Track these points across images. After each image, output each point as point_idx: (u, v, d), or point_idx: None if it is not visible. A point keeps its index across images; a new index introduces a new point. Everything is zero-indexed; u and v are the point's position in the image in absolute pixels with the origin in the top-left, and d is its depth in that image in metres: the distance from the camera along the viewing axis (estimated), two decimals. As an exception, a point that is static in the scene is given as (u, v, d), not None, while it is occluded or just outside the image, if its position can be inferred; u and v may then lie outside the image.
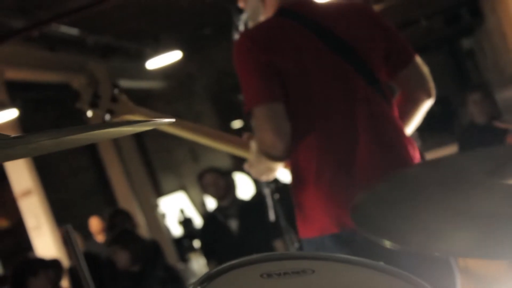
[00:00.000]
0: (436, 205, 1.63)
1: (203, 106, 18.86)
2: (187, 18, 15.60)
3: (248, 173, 3.71)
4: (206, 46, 19.07)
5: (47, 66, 13.17)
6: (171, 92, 19.56)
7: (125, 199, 14.38)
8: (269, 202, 3.93)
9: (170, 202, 19.02)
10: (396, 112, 3.60)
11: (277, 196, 3.89)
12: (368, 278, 1.56)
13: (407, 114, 3.67)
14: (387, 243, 1.50)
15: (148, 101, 19.74)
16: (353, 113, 3.45)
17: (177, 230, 18.27)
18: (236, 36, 3.84)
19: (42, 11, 11.53)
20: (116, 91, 3.78)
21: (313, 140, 3.43)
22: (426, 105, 3.72)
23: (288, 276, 1.53)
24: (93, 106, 3.78)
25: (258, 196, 8.31)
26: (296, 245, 3.87)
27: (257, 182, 8.99)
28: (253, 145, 3.57)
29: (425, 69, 3.70)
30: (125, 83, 16.40)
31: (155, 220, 15.27)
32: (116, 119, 3.77)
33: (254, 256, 1.58)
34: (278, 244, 6.89)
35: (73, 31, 12.58)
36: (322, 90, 3.45)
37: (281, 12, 3.57)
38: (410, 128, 3.73)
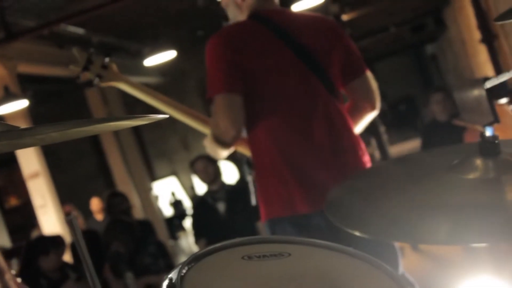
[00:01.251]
0: (402, 197, 1.63)
1: (195, 99, 18.86)
2: (182, 21, 15.60)
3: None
4: (199, 47, 18.96)
5: (56, 62, 13.17)
6: (166, 87, 19.58)
7: (123, 183, 14.42)
8: (251, 188, 3.94)
9: (163, 185, 19.08)
10: (347, 116, 3.63)
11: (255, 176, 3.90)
12: (337, 261, 1.56)
13: (352, 120, 3.69)
14: (356, 233, 1.50)
15: (145, 94, 19.72)
16: (312, 112, 3.48)
17: (168, 211, 18.30)
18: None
19: (52, 13, 11.53)
20: (107, 59, 3.84)
21: (274, 132, 3.46)
22: (370, 115, 3.76)
23: (266, 258, 1.52)
24: (85, 69, 3.84)
25: (242, 182, 8.33)
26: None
27: (240, 169, 9.00)
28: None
29: (374, 84, 3.74)
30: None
31: (149, 201, 15.29)
32: (104, 84, 3.87)
33: (236, 240, 1.58)
34: (260, 225, 6.90)
35: (80, 30, 12.61)
36: (284, 90, 3.48)
37: (253, 16, 3.58)
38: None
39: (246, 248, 1.55)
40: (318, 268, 1.51)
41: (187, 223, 17.46)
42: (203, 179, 7.22)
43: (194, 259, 1.47)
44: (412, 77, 19.44)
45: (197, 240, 7.19)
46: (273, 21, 3.54)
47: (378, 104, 3.73)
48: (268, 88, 3.45)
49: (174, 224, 17.55)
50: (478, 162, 1.67)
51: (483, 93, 3.74)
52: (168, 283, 1.39)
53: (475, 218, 1.47)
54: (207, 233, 7.04)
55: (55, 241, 7.22)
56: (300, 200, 3.39)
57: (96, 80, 3.84)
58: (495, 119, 3.64)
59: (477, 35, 11.44)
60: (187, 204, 17.98)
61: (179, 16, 15.05)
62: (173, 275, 1.40)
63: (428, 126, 8.25)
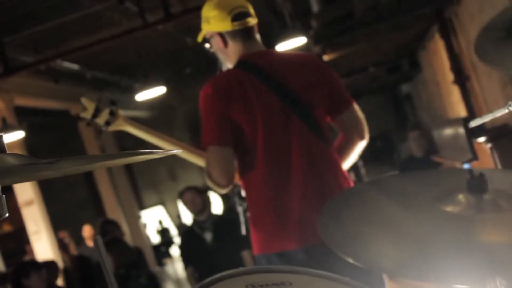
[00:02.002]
0: (385, 225, 1.64)
1: (182, 132, 18.92)
2: (172, 59, 15.66)
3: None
4: (186, 83, 19.11)
5: (51, 95, 13.22)
6: (155, 121, 19.65)
7: (113, 211, 14.41)
8: (242, 218, 3.96)
9: (151, 214, 19.05)
10: (334, 153, 3.66)
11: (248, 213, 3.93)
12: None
13: (343, 152, 3.74)
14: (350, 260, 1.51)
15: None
16: (296, 156, 3.50)
17: (155, 238, 18.25)
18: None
19: (49, 49, 11.58)
20: (114, 107, 3.89)
21: (261, 174, 3.51)
22: (360, 145, 3.78)
23: (269, 287, 1.53)
24: (94, 117, 3.92)
25: (229, 212, 8.32)
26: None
27: (226, 200, 8.99)
28: None
29: (361, 115, 3.77)
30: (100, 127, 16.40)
31: (137, 229, 15.28)
32: (112, 129, 3.93)
33: (242, 269, 1.58)
34: (245, 254, 6.90)
35: (74, 66, 12.66)
36: (270, 137, 3.50)
37: (239, 64, 3.60)
38: (347, 163, 3.80)
39: (250, 277, 1.55)
40: (318, 297, 1.52)
41: (174, 250, 17.40)
42: (191, 209, 7.19)
43: (202, 286, 1.47)
44: (388, 115, 19.53)
45: (185, 268, 7.17)
46: (258, 67, 3.55)
47: (366, 134, 3.76)
48: (256, 136, 3.48)
49: (161, 251, 17.51)
50: (461, 197, 1.68)
51: (462, 131, 3.76)
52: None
53: (449, 257, 1.46)
54: (194, 261, 7.03)
55: (36, 264, 7.30)
56: (285, 238, 3.42)
57: (104, 127, 3.90)
58: (473, 157, 3.66)
59: (450, 76, 11.53)
60: (174, 232, 17.95)
61: (169, 54, 15.11)
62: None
63: (405, 161, 8.31)
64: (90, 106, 3.92)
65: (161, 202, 19.90)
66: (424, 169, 7.44)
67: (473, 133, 3.69)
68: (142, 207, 18.73)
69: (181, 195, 7.33)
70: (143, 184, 20.23)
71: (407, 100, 19.46)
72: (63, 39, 11.46)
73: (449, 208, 1.64)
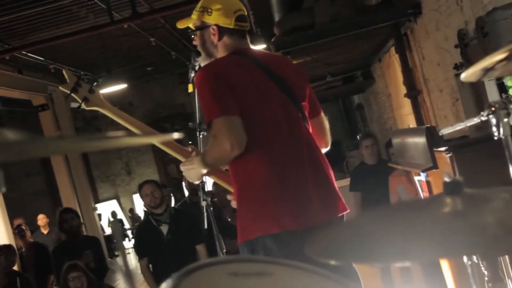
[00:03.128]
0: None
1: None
2: (134, 57, 15.58)
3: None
4: (147, 81, 19.06)
5: (14, 85, 13.05)
6: (114, 116, 19.51)
7: (68, 201, 14.27)
8: (204, 213, 3.93)
9: (105, 206, 18.91)
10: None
11: (211, 208, 3.91)
12: (315, 282, 1.54)
13: None
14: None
15: (94, 120, 19.64)
16: (295, 136, 3.50)
17: (108, 230, 18.12)
18: (192, 74, 3.83)
19: (14, 40, 11.45)
20: (94, 85, 3.86)
21: (263, 153, 3.44)
22: (323, 151, 3.76)
23: (251, 276, 1.50)
24: (73, 91, 3.87)
25: (184, 206, 8.28)
26: (224, 251, 3.86)
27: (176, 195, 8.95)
28: (195, 155, 3.62)
29: (327, 124, 3.80)
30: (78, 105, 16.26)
31: (92, 220, 15.14)
32: (89, 107, 3.92)
33: (225, 257, 1.55)
34: (200, 248, 6.88)
35: (39, 58, 12.53)
36: (271, 116, 3.48)
37: (235, 52, 3.61)
38: None
39: (232, 265, 1.53)
40: (298, 288, 1.50)
41: (126, 242, 17.31)
42: (149, 202, 7.12)
43: (186, 272, 1.44)
44: (339, 124, 19.65)
45: (140, 259, 7.11)
46: (253, 57, 3.59)
47: (330, 141, 3.79)
48: (257, 114, 3.44)
49: (113, 243, 17.40)
50: (447, 199, 1.69)
51: (424, 140, 3.78)
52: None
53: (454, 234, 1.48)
54: (149, 253, 6.97)
55: None
56: (286, 216, 3.35)
57: (82, 103, 3.84)
58: (434, 165, 3.68)
59: (402, 90, 11.62)
60: (126, 225, 17.85)
61: (132, 52, 15.03)
62: (167, 285, 1.38)
63: (357, 168, 8.34)
64: (71, 80, 3.89)
65: (116, 196, 19.75)
66: (374, 176, 7.52)
67: (434, 143, 3.71)
68: (97, 199, 18.58)
69: (140, 188, 7.26)
70: (98, 176, 20.08)
71: (358, 110, 19.61)
72: (29, 31, 11.33)
73: (443, 210, 1.64)
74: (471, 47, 7.83)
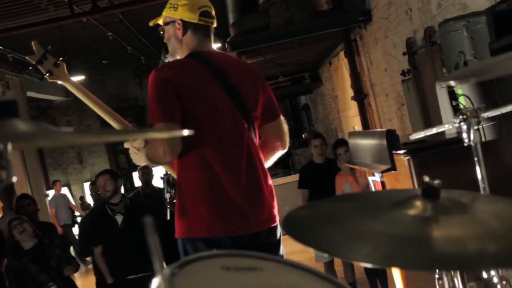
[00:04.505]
0: (349, 223, 1.62)
1: (93, 120, 18.65)
2: (92, 50, 15.43)
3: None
4: (103, 74, 18.90)
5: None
6: (69, 106, 19.40)
7: (21, 187, 14.01)
8: (168, 205, 3.91)
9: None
10: (260, 150, 3.63)
11: (174, 201, 3.87)
12: (303, 279, 1.53)
13: (264, 157, 3.67)
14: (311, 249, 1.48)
15: (49, 110, 19.41)
16: (237, 147, 3.46)
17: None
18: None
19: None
20: (60, 59, 3.79)
21: (203, 161, 3.41)
22: (280, 153, 3.76)
23: (242, 271, 1.48)
24: (39, 63, 3.77)
25: (138, 197, 8.21)
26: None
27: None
28: (143, 145, 3.54)
29: (286, 127, 3.76)
30: (33, 94, 16.11)
31: (44, 207, 14.92)
32: (52, 80, 3.81)
33: (218, 251, 1.53)
34: (154, 239, 6.79)
35: (-4, 46, 12.36)
36: (216, 125, 3.44)
37: (192, 54, 3.56)
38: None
39: (225, 259, 1.51)
40: (288, 284, 1.49)
41: (76, 229, 17.11)
42: (102, 193, 7.05)
43: (180, 264, 1.41)
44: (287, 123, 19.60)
45: (93, 246, 7.01)
46: (211, 62, 3.52)
47: (287, 144, 3.75)
48: (203, 122, 3.40)
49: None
50: (419, 203, 1.68)
51: (384, 143, 3.79)
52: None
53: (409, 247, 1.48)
54: (103, 241, 6.88)
55: None
56: (216, 224, 3.37)
57: (46, 75, 3.77)
58: (392, 167, 3.70)
59: (349, 92, 11.71)
60: (77, 213, 17.65)
61: (90, 46, 14.88)
62: (160, 280, 1.35)
63: (305, 167, 8.34)
64: (38, 51, 3.78)
65: (67, 183, 19.54)
66: (322, 175, 7.56)
67: (393, 146, 3.73)
68: (49, 186, 18.32)
69: (96, 178, 7.18)
70: (51, 165, 19.85)
71: (304, 110, 19.71)
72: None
73: (411, 212, 1.64)
74: (418, 55, 7.92)
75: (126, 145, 3.63)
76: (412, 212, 1.64)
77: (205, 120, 3.41)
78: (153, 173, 9.14)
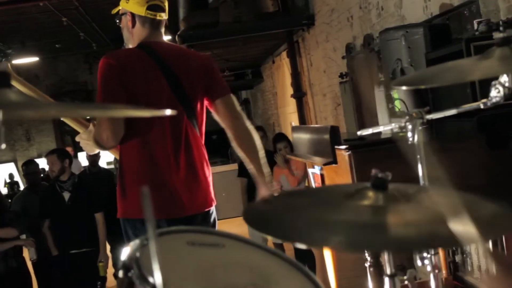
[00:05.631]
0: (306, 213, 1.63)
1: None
2: (46, 34, 15.17)
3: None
4: (54, 58, 18.60)
5: None
6: (19, 86, 18.98)
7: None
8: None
9: (2, 168, 18.35)
10: (203, 145, 3.59)
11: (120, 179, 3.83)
12: (264, 257, 1.54)
13: (236, 137, 3.58)
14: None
15: None
16: (176, 134, 3.45)
17: (4, 190, 17.59)
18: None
19: None
20: (4, 60, 3.70)
21: (142, 147, 3.42)
22: (236, 126, 3.58)
23: (206, 246, 1.49)
24: None
25: (85, 176, 8.12)
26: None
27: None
28: (91, 130, 3.51)
29: (236, 102, 3.67)
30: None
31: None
32: None
33: (183, 227, 1.53)
34: (98, 216, 6.77)
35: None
36: (152, 117, 3.40)
37: (141, 45, 3.54)
38: (250, 145, 3.58)
39: (190, 235, 1.51)
40: (249, 261, 1.49)
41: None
42: (50, 172, 7.00)
43: (148, 238, 1.41)
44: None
45: (41, 220, 6.93)
46: (157, 53, 3.50)
47: (242, 117, 3.60)
48: (144, 108, 3.39)
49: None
50: (370, 194, 1.71)
51: (327, 137, 3.83)
52: (128, 258, 1.34)
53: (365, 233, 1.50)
54: (51, 216, 6.83)
55: None
56: (154, 207, 3.33)
57: None
58: (334, 161, 3.74)
59: (289, 90, 11.77)
60: (22, 187, 17.37)
61: (45, 29, 14.63)
62: (130, 253, 1.35)
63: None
64: None
65: (14, 159, 19.19)
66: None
67: (335, 141, 3.77)
68: (-5, 161, 18.02)
69: (45, 156, 7.11)
70: (-1, 140, 19.45)
71: (244, 104, 19.72)
72: None
73: (364, 202, 1.66)
74: (356, 59, 8.01)
75: (77, 139, 3.61)
76: (365, 202, 1.66)
77: (146, 106, 3.38)
78: (100, 154, 9.08)
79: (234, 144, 3.62)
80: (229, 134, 3.61)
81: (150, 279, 1.27)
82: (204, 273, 1.39)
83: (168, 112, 1.44)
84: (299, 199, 1.81)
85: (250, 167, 3.56)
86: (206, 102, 3.60)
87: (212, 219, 3.56)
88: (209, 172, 3.60)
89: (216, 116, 3.68)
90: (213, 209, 3.57)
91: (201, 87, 3.55)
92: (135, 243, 1.38)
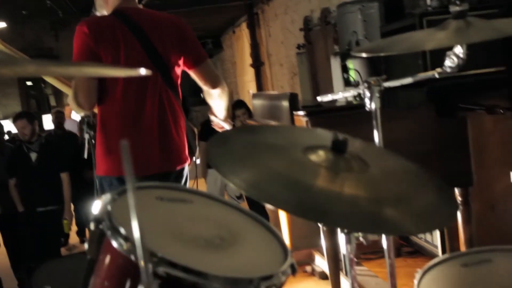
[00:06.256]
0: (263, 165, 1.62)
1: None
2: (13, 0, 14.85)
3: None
4: (21, 24, 18.22)
5: None
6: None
7: None
8: (86, 144, 3.82)
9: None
10: (181, 109, 3.56)
11: (92, 140, 3.80)
12: (231, 213, 1.54)
13: (211, 100, 3.68)
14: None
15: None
16: (152, 100, 3.41)
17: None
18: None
19: None
20: None
21: (116, 108, 3.38)
22: (215, 92, 3.63)
23: (175, 202, 1.48)
24: None
25: (51, 138, 8.02)
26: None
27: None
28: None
29: (213, 68, 3.68)
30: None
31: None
32: None
33: (153, 183, 1.52)
34: (64, 175, 6.71)
35: None
36: (132, 79, 3.37)
37: (116, 12, 3.44)
38: (220, 108, 3.75)
39: (159, 191, 1.49)
40: (216, 216, 1.48)
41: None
42: (22, 136, 6.89)
43: (121, 192, 1.39)
44: (186, 82, 19.48)
45: (9, 178, 6.85)
46: (131, 20, 3.41)
47: (220, 84, 3.62)
48: (118, 77, 3.35)
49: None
50: (329, 154, 1.70)
51: (286, 104, 3.83)
52: (99, 211, 1.33)
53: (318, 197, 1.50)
54: (18, 174, 6.75)
55: None
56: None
57: None
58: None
59: (248, 60, 11.73)
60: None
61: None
62: (101, 206, 1.34)
63: (205, 122, 8.29)
64: None
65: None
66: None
67: (294, 107, 3.78)
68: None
69: (14, 120, 6.97)
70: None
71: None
72: None
73: (314, 158, 1.66)
74: (313, 32, 8.01)
75: (68, 101, 3.57)
76: (321, 162, 1.65)
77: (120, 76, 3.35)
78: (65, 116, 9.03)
79: (205, 95, 3.71)
80: (205, 91, 3.65)
81: (121, 230, 1.26)
82: (171, 226, 1.38)
83: (142, 71, 1.40)
84: (261, 137, 1.79)
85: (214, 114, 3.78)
86: (183, 67, 3.56)
87: (184, 178, 3.55)
88: (184, 132, 3.58)
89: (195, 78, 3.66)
90: (186, 167, 3.56)
91: (177, 52, 3.48)
92: (106, 196, 1.36)
